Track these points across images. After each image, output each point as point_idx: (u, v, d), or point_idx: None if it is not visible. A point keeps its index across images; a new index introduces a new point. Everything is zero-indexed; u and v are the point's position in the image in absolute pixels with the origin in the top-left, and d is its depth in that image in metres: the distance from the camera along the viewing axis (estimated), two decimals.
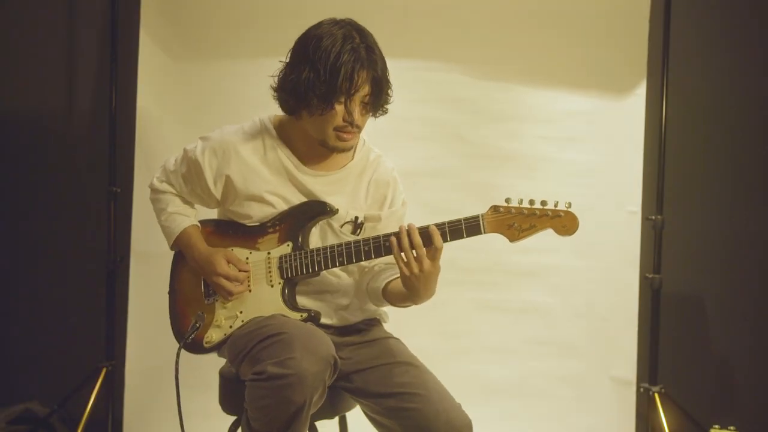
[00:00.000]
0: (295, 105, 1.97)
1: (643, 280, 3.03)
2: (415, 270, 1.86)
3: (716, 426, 2.22)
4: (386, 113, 2.02)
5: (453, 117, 3.08)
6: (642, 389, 3.03)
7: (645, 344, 3.04)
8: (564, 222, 1.86)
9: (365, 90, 1.92)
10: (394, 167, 2.16)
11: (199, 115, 3.01)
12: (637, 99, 3.05)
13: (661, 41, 3.01)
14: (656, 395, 2.96)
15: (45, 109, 3.26)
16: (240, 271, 2.02)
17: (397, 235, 1.86)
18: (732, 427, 2.20)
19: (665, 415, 2.92)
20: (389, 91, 1.98)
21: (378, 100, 1.95)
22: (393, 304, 2.04)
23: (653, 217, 3.00)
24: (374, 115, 2.01)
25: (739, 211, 3.27)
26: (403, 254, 1.86)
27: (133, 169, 3.02)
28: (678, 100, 3.11)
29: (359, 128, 1.97)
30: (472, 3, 3.07)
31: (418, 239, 1.85)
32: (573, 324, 3.08)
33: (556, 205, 1.86)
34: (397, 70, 2.99)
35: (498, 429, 2.93)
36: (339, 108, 1.92)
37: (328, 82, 1.87)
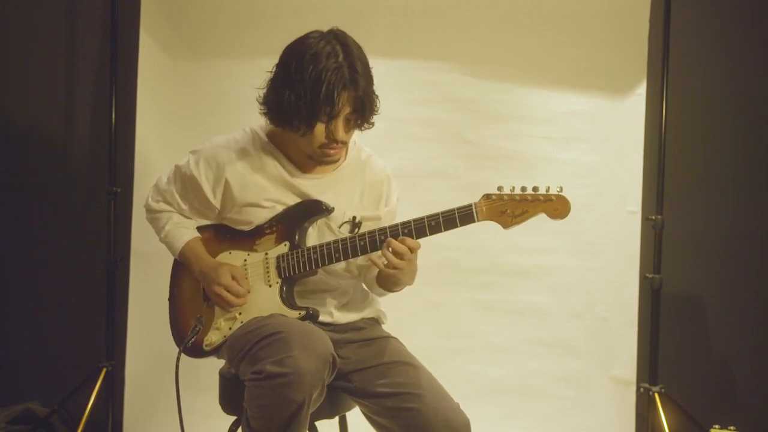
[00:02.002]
0: (278, 123, 1.98)
1: (643, 280, 3.03)
2: (399, 267, 1.92)
3: (716, 426, 2.22)
4: (372, 126, 2.02)
5: (453, 117, 3.08)
6: (642, 389, 3.03)
7: (645, 344, 3.04)
8: (556, 205, 1.88)
9: (347, 110, 1.92)
10: (385, 165, 2.17)
11: (199, 115, 3.02)
12: (637, 99, 3.05)
13: (661, 41, 3.01)
14: (656, 395, 2.96)
15: (45, 108, 3.26)
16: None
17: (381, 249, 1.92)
18: (732, 427, 2.20)
19: (665, 415, 2.91)
20: (374, 106, 1.97)
21: (362, 117, 1.96)
22: (387, 289, 2.09)
23: (653, 217, 3.00)
24: (360, 129, 2.01)
25: (739, 211, 3.27)
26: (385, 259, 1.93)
27: (133, 169, 3.02)
28: (678, 100, 3.11)
29: (344, 143, 1.98)
30: (472, 3, 3.07)
31: (399, 247, 1.90)
32: (573, 324, 3.08)
33: (547, 190, 1.88)
34: (397, 70, 3.05)
35: (498, 429, 2.93)
36: (321, 127, 1.93)
37: (309, 105, 1.88)
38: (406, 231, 1.92)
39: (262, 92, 2.00)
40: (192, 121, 3.01)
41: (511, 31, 3.07)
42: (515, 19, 3.06)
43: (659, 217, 2.99)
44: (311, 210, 2.03)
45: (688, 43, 3.18)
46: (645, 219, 3.04)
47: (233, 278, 2.02)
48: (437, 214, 1.91)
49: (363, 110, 1.94)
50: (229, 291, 2.01)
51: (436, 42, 3.06)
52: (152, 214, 2.18)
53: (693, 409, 2.99)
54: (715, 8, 3.24)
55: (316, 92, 1.86)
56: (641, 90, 3.05)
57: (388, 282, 2.05)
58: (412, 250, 1.92)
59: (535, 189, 1.89)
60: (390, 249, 1.91)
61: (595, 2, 3.06)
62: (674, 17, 2.99)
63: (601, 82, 3.07)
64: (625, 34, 3.05)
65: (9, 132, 3.25)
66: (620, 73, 3.06)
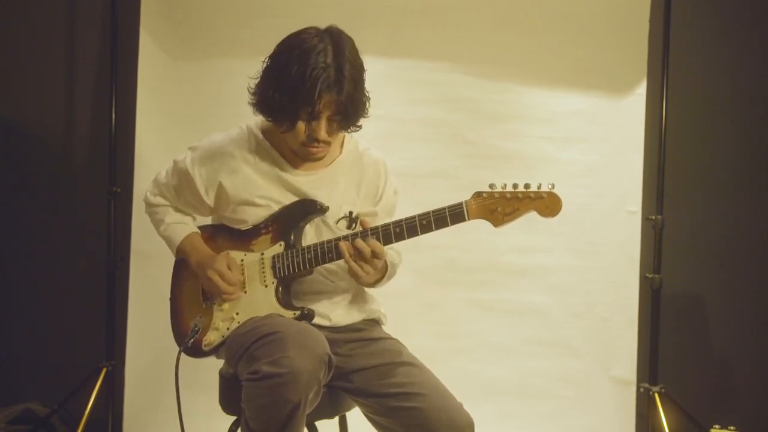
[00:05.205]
0: (264, 114, 1.99)
1: (643, 280, 3.03)
2: (362, 273, 1.91)
3: (716, 426, 2.22)
4: (360, 129, 2.01)
5: (453, 117, 3.08)
6: (642, 389, 3.03)
7: (645, 344, 3.04)
8: (547, 203, 1.88)
9: (329, 111, 1.91)
10: (383, 157, 2.16)
11: (199, 115, 3.02)
12: (637, 99, 3.05)
13: (661, 41, 3.01)
14: (656, 395, 2.96)
15: (45, 108, 3.26)
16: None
17: (346, 246, 1.91)
18: (732, 427, 2.20)
19: (665, 415, 2.91)
20: (360, 110, 1.96)
21: (346, 120, 1.94)
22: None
23: (653, 217, 3.00)
24: (346, 132, 2.01)
25: (739, 211, 3.27)
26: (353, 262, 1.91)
27: (133, 169, 3.02)
28: (678, 100, 3.11)
29: (327, 143, 1.98)
30: (472, 3, 3.07)
31: (364, 248, 1.89)
32: (573, 324, 3.08)
33: (539, 187, 1.87)
34: (397, 70, 3.06)
35: (497, 429, 2.93)
36: (302, 126, 1.92)
37: (290, 102, 1.88)
38: (397, 230, 1.91)
39: (254, 81, 2.00)
40: (192, 121, 3.01)
41: (511, 31, 3.07)
42: (515, 19, 3.06)
43: (659, 217, 2.99)
44: (307, 209, 2.02)
45: (688, 43, 3.18)
46: (645, 219, 3.04)
47: (228, 267, 2.02)
48: (428, 213, 1.90)
49: (346, 114, 1.92)
50: (222, 278, 2.01)
51: (436, 42, 3.06)
52: (150, 208, 2.20)
53: (693, 409, 2.99)
54: (715, 8, 3.24)
55: (299, 90, 1.86)
56: (641, 90, 3.05)
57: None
58: (375, 255, 1.89)
59: (526, 186, 1.89)
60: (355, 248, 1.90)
61: (595, 2, 3.06)
62: (674, 17, 2.99)
63: (601, 82, 3.07)
64: (625, 34, 3.05)
65: (9, 132, 3.25)
66: (620, 73, 3.06)
